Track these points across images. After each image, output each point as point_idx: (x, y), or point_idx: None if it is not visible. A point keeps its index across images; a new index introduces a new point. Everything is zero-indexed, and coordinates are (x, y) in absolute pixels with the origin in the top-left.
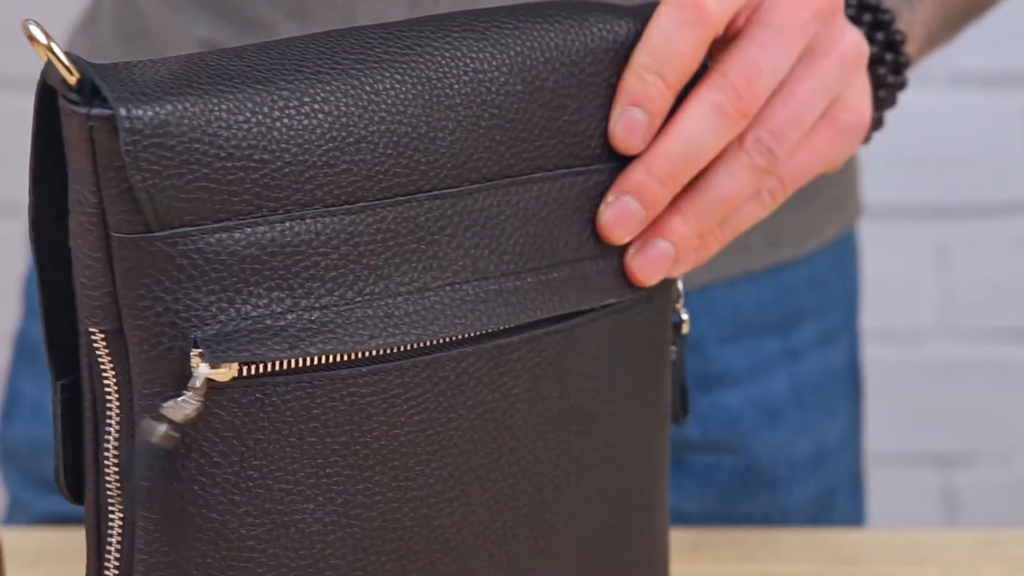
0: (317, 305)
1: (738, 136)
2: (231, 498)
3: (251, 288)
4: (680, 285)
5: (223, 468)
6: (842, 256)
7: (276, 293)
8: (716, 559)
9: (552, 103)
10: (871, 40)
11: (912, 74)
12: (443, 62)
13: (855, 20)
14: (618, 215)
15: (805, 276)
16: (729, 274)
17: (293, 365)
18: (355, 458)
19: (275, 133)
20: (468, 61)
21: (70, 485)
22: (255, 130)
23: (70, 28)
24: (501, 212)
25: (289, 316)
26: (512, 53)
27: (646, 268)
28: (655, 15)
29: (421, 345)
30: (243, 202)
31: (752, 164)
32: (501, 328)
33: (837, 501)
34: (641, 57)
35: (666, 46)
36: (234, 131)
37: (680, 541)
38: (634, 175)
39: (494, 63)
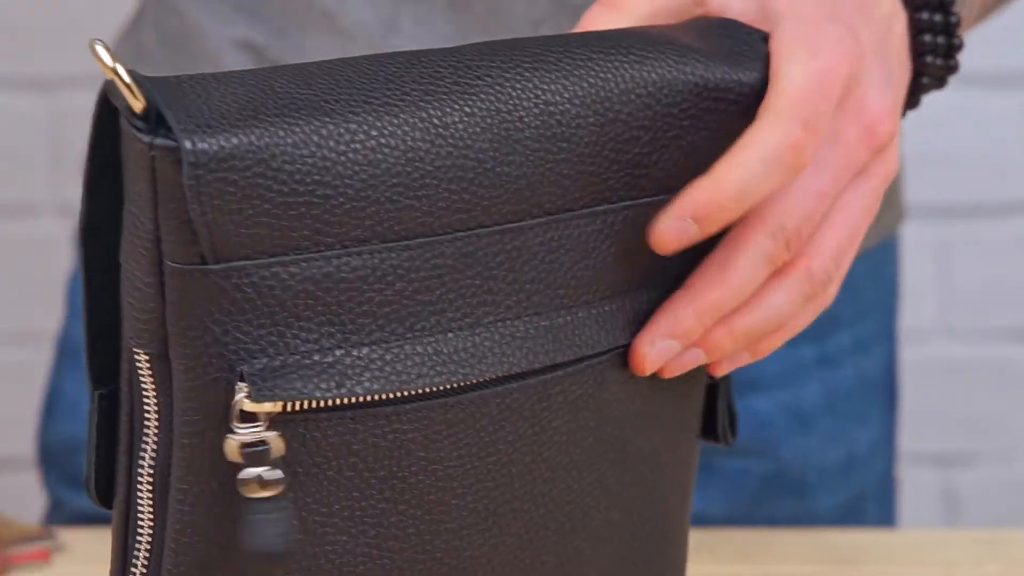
0: (367, 341)
1: (803, 261)
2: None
3: (302, 323)
4: None
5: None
6: (880, 263)
7: (327, 328)
8: (716, 559)
9: (624, 135)
10: (929, 28)
11: None
12: (514, 94)
13: (920, 5)
14: (660, 353)
15: (842, 283)
16: None
17: (338, 402)
18: (392, 492)
19: (339, 168)
20: (540, 93)
21: (100, 493)
22: (320, 164)
23: (115, 33)
24: (561, 246)
25: (338, 352)
26: (585, 85)
27: (676, 368)
28: (756, 134)
29: (467, 382)
30: (302, 237)
31: (812, 293)
32: (548, 364)
33: (867, 508)
34: (728, 184)
35: (754, 186)
36: (298, 165)
37: None
38: (685, 319)
39: (566, 95)
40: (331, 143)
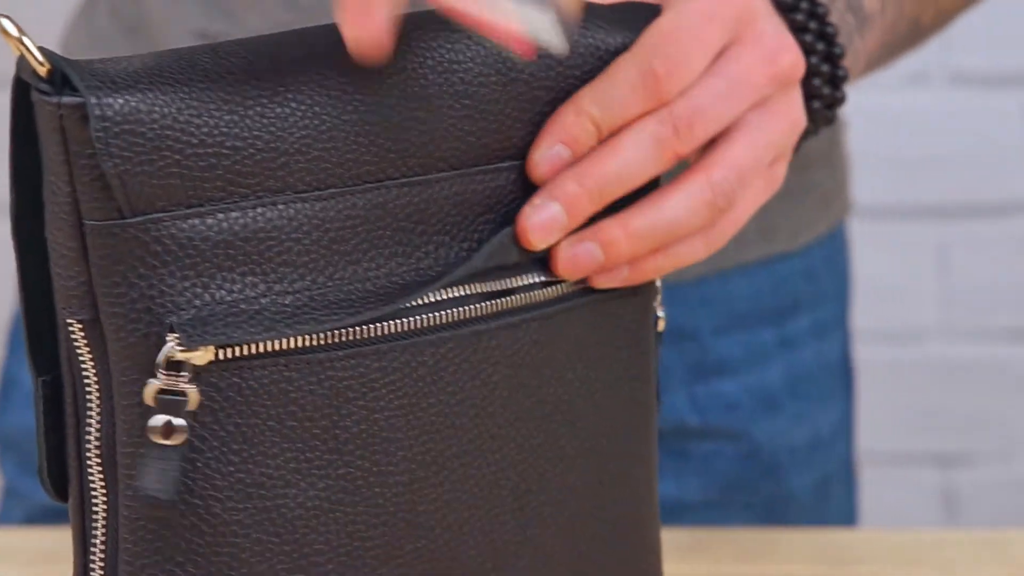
0: (290, 290)
1: (704, 170)
2: (212, 483)
3: (224, 273)
4: (658, 283)
5: (204, 453)
6: (833, 251)
7: (250, 278)
8: (715, 559)
9: (526, 95)
10: (817, 72)
11: (911, 74)
12: (418, 53)
13: (810, 48)
14: (543, 221)
15: (799, 268)
16: (722, 266)
17: (270, 348)
18: (336, 442)
19: (247, 121)
20: (443, 52)
21: (54, 481)
22: (227, 118)
23: (67, 20)
24: (467, 200)
25: (263, 300)
26: (488, 45)
27: (570, 264)
28: (615, 65)
29: (399, 330)
30: (215, 188)
31: (713, 201)
32: (477, 315)
33: (832, 491)
34: (588, 103)
35: (616, 105)
36: (205, 119)
37: (680, 541)
38: (566, 184)
39: (468, 54)
40: (237, 98)
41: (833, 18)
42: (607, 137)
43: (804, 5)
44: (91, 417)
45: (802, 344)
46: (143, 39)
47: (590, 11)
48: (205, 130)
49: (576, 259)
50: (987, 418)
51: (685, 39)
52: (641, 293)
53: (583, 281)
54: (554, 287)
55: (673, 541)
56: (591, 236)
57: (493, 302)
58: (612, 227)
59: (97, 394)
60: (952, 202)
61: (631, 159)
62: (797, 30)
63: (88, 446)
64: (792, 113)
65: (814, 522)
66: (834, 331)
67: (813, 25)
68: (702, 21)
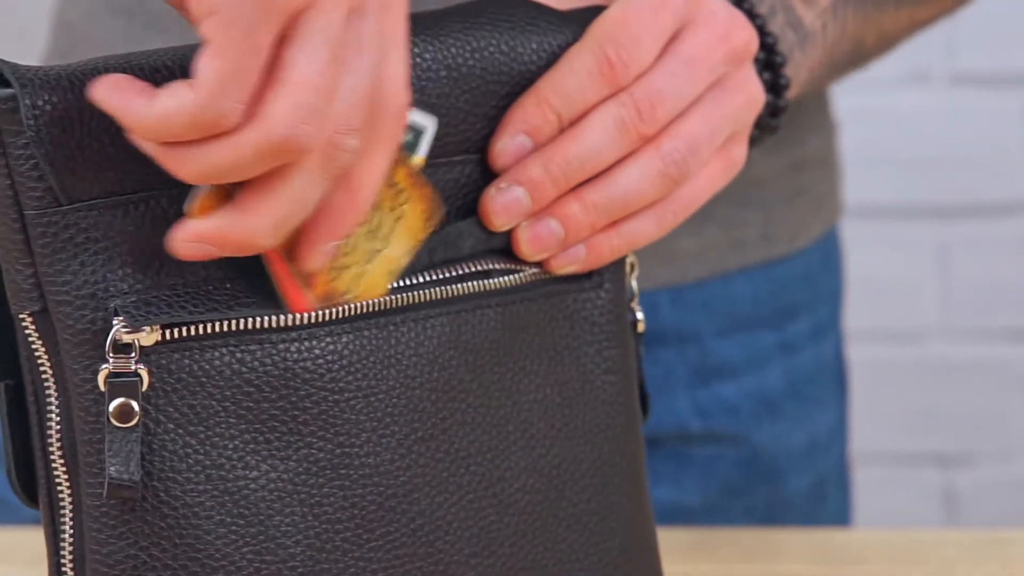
0: (230, 275)
1: (654, 142)
2: (171, 465)
3: (164, 258)
4: (635, 284)
5: (160, 435)
6: (828, 252)
7: (190, 264)
8: (716, 559)
9: (479, 88)
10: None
11: (912, 74)
12: None
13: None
14: (507, 203)
15: (798, 271)
16: (723, 268)
17: (220, 329)
18: (295, 423)
19: None
20: None
21: (24, 485)
22: None
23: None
24: None
25: (207, 286)
26: (438, 44)
27: (532, 243)
28: (572, 52)
29: (351, 312)
30: (151, 175)
31: (664, 171)
32: (430, 299)
33: (828, 493)
34: (549, 93)
35: (575, 94)
36: None
37: (680, 541)
38: (531, 168)
39: (415, 50)
40: None
41: (773, 28)
42: (567, 126)
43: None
44: (51, 411)
45: (801, 347)
46: (138, 14)
47: (541, 11)
48: None
49: (538, 237)
50: (987, 418)
51: (635, 25)
52: (608, 289)
53: (542, 271)
54: (513, 276)
55: (673, 541)
56: (550, 213)
57: (447, 287)
58: (569, 202)
59: (55, 386)
60: (952, 202)
61: (596, 143)
62: None
63: (50, 440)
64: (749, 89)
65: (810, 524)
66: (829, 332)
67: (760, 55)
68: (651, 7)
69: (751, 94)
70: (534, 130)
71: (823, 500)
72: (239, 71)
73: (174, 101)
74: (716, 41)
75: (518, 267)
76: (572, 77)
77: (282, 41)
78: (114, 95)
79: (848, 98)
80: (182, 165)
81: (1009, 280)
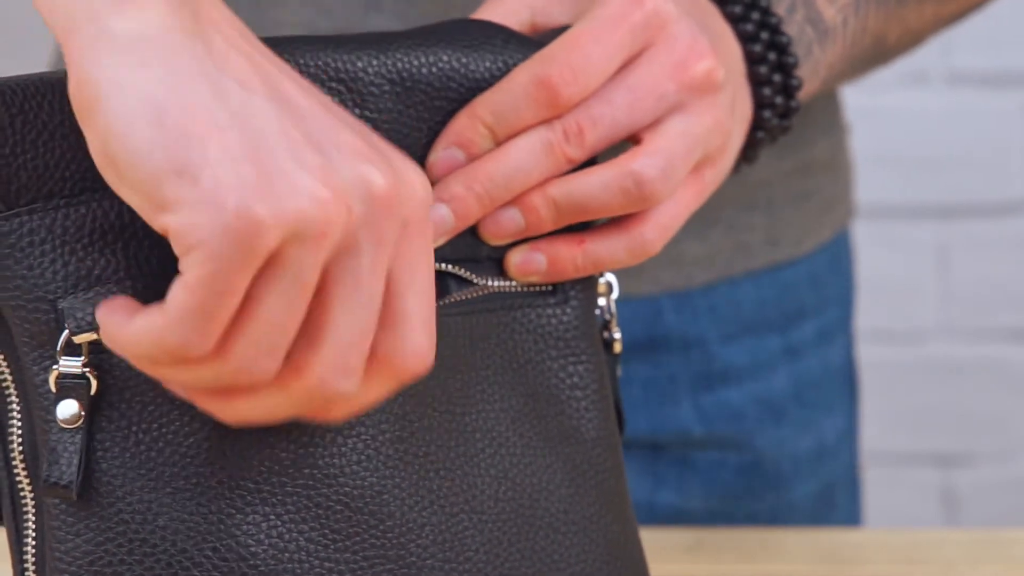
0: (173, 274)
1: (621, 158)
2: (125, 462)
3: (107, 259)
4: (613, 307)
5: (113, 433)
6: (837, 256)
7: (134, 262)
8: (716, 559)
9: (426, 103)
10: (768, 82)
11: (912, 74)
12: (313, 67)
13: (760, 58)
14: (432, 221)
15: (804, 275)
16: (729, 273)
17: None
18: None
19: None
20: (341, 64)
21: None
22: (68, 119)
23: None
24: None
25: (155, 280)
26: (383, 57)
27: (490, 225)
28: (512, 72)
29: None
30: (90, 177)
31: (625, 186)
32: None
33: (837, 499)
34: (481, 109)
35: (511, 112)
36: (68, 111)
37: (680, 541)
38: (453, 185)
39: (360, 64)
40: None
41: (790, 29)
42: (504, 142)
43: (755, 16)
44: (12, 417)
45: (807, 352)
46: None
47: (499, 31)
48: (68, 122)
49: (496, 221)
50: (987, 418)
51: (588, 46)
52: (575, 306)
53: (502, 284)
54: (470, 288)
55: (673, 541)
56: (514, 203)
57: None
58: (531, 193)
59: (15, 389)
60: (952, 202)
61: (521, 163)
62: (746, 40)
63: (12, 447)
64: (715, 114)
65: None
66: (838, 336)
67: (764, 35)
68: (607, 27)
69: (716, 119)
70: (466, 143)
71: (832, 505)
72: (208, 309)
73: (145, 324)
74: (672, 70)
75: (472, 276)
76: (507, 94)
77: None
78: (102, 310)
79: (847, 98)
80: (166, 383)
81: (1009, 280)
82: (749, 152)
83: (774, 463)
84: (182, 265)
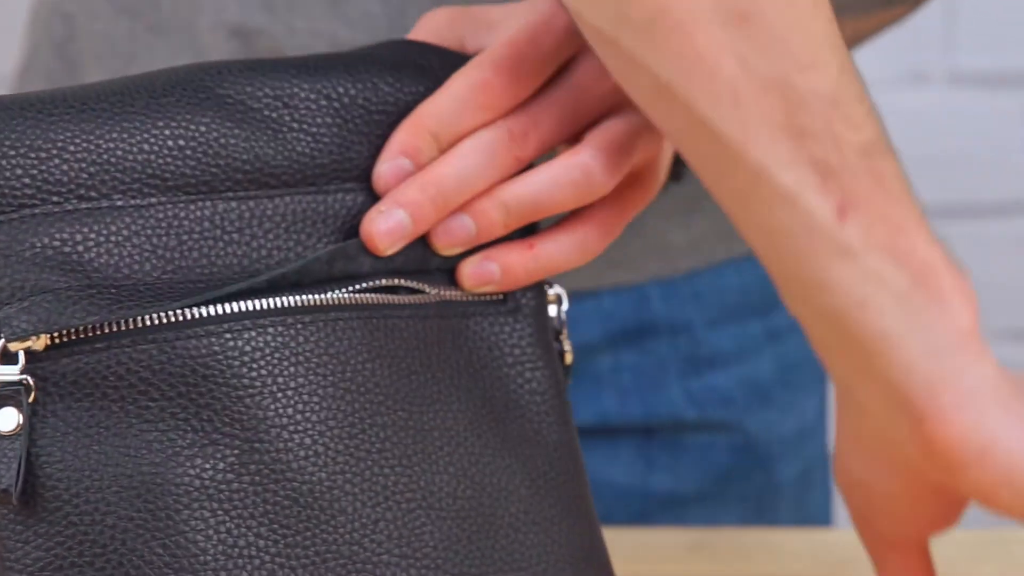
0: (114, 285)
1: (570, 150)
2: (70, 465)
3: (45, 273)
4: (564, 315)
5: (57, 438)
6: None
7: (71, 274)
8: (716, 559)
9: (363, 118)
10: None
11: (911, 74)
12: (250, 89)
13: None
14: (390, 227)
15: None
16: (712, 260)
17: (110, 329)
18: (198, 420)
19: (51, 134)
20: (274, 87)
21: None
22: (30, 131)
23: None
24: (307, 216)
25: (90, 290)
26: (319, 75)
27: (442, 236)
28: (453, 77)
29: (250, 308)
30: (26, 188)
31: (572, 178)
32: (334, 304)
33: (814, 478)
34: (424, 116)
35: (451, 117)
36: (17, 128)
37: (679, 541)
38: (409, 190)
39: (295, 83)
40: (44, 114)
41: None
42: (448, 148)
43: None
44: None
45: (786, 334)
46: (151, 32)
47: (435, 50)
48: (14, 136)
49: (448, 231)
50: None
51: (527, 49)
52: (527, 315)
53: (450, 293)
54: (419, 295)
55: (673, 541)
56: (463, 209)
57: (355, 295)
58: (481, 198)
59: None
60: (952, 202)
61: (470, 164)
62: None
63: None
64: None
65: (798, 512)
66: None
67: None
68: (545, 29)
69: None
70: (413, 151)
71: (810, 485)
72: None
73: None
74: (601, 75)
75: (423, 287)
76: (448, 100)
77: None
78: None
79: None
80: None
81: (1009, 280)
82: (677, 167)
83: (763, 444)
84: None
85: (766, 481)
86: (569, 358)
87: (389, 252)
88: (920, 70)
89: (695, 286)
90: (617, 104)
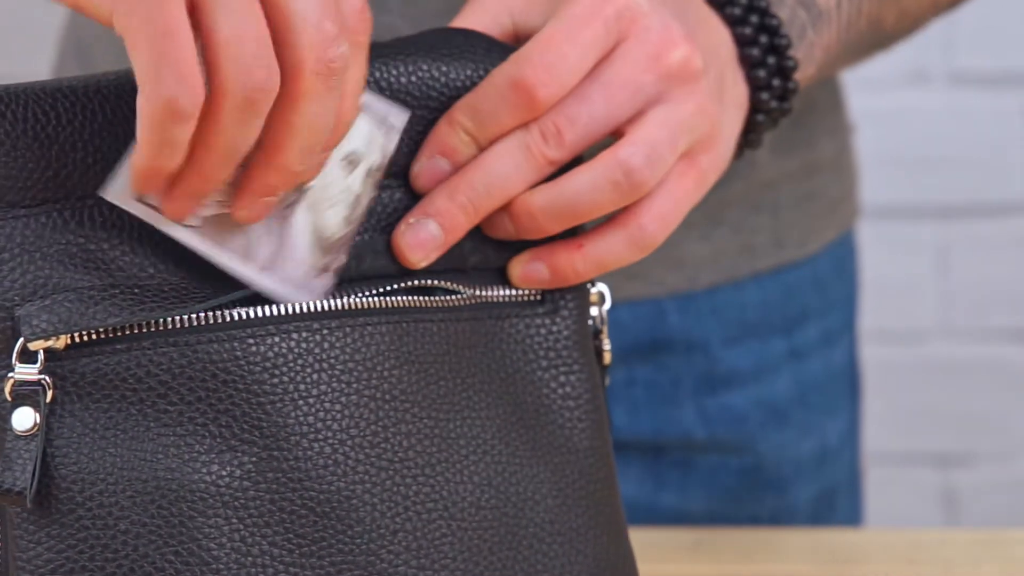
0: (137, 284)
1: (607, 151)
2: (86, 467)
3: (65, 269)
4: (605, 316)
5: (73, 440)
6: (841, 257)
7: (94, 272)
8: (716, 559)
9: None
10: (762, 64)
11: (911, 74)
12: None
13: (751, 40)
14: (421, 239)
15: (808, 277)
16: (734, 275)
17: (132, 331)
18: (216, 426)
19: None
20: None
21: None
22: (31, 130)
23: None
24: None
25: (113, 290)
26: (368, 69)
27: (489, 231)
28: (488, 76)
29: (275, 313)
30: (52, 188)
31: (614, 179)
32: (363, 308)
33: (838, 501)
34: (462, 116)
35: (489, 116)
36: (32, 122)
37: (680, 541)
38: (437, 199)
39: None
40: (51, 111)
41: (781, 12)
42: (486, 147)
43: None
44: None
45: (810, 354)
46: None
47: (480, 40)
48: (13, 135)
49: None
50: (987, 418)
51: (561, 45)
52: (566, 316)
53: (487, 295)
54: (455, 296)
55: (674, 541)
56: (504, 211)
57: (386, 298)
58: (520, 200)
59: None
60: (952, 202)
61: (501, 169)
62: (734, 23)
63: None
64: (696, 100)
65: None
66: (842, 338)
67: (754, 18)
68: (579, 25)
69: (699, 104)
70: (449, 151)
71: (833, 508)
72: (162, 54)
73: (139, 105)
74: (646, 61)
75: (458, 287)
76: (484, 98)
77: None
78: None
79: (847, 98)
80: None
81: (1009, 280)
82: (751, 136)
83: (776, 466)
84: (118, 29)
85: (779, 503)
86: (608, 357)
87: (423, 264)
88: (920, 70)
89: (714, 301)
90: (658, 95)
